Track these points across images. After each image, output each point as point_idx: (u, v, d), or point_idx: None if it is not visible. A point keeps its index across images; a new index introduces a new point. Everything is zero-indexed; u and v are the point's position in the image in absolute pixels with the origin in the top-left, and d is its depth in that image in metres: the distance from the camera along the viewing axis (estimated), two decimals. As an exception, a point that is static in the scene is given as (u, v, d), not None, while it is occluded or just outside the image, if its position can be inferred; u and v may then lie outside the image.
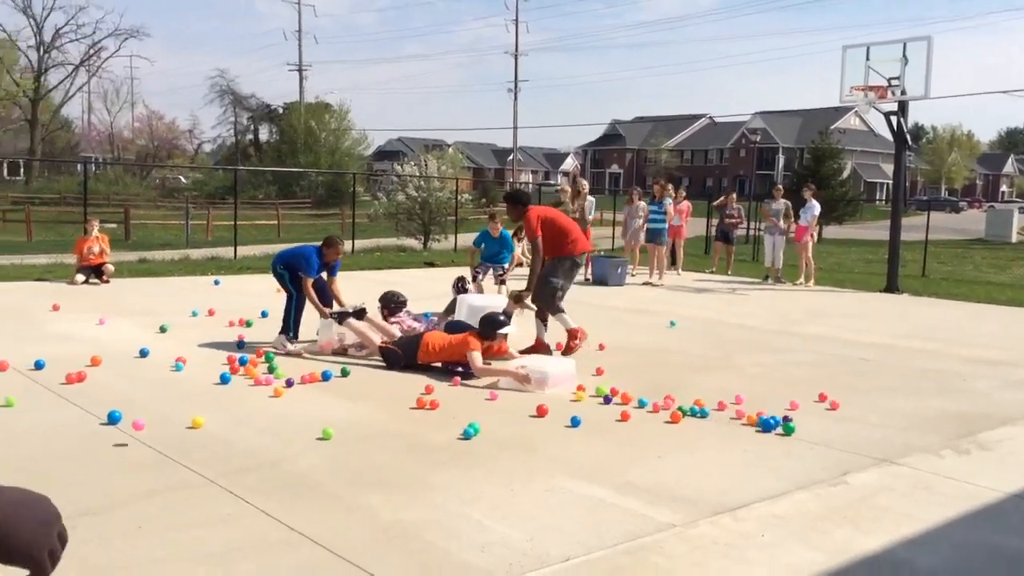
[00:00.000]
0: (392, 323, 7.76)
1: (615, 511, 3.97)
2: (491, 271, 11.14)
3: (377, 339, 7.25)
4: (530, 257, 13.23)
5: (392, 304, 8.02)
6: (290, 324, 7.65)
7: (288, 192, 43.08)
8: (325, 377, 6.44)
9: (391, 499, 4.03)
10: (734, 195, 17.89)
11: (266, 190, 43.21)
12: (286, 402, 5.78)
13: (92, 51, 50.16)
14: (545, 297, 7.72)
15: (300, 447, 4.79)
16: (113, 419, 5.06)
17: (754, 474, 4.60)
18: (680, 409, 5.72)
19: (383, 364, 7.02)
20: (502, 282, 10.96)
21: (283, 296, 7.85)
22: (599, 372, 6.97)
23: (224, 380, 6.21)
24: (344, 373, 6.63)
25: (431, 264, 16.93)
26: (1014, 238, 35.57)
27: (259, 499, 3.94)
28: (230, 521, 3.70)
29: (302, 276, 7.49)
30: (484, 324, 6.99)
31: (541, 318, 7.81)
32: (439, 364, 6.86)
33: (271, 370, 6.60)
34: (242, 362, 6.78)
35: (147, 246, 19.23)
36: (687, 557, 3.50)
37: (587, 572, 3.32)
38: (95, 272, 11.92)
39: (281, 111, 56.49)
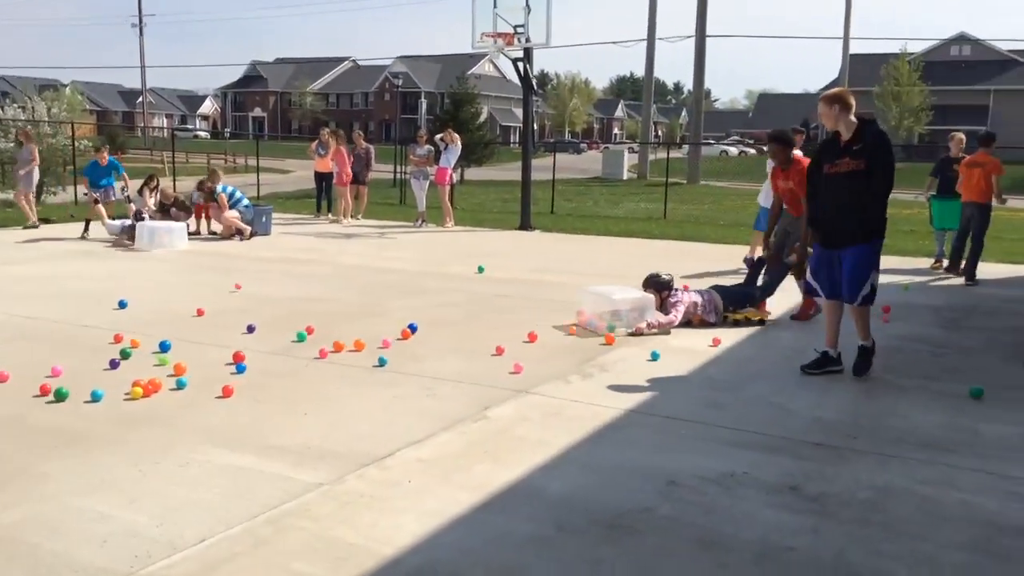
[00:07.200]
0: (674, 302, 7.28)
1: (258, 478, 3.76)
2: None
3: None
4: None
5: (667, 286, 7.42)
6: None
7: None
8: None
9: (-13, 501, 3.44)
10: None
11: None
12: None
13: None
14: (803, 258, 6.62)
15: None
16: None
17: (400, 419, 4.63)
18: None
19: None
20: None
21: None
22: (250, 330, 6.61)
23: None
24: None
25: (45, 220, 14.93)
26: (625, 175, 40.16)
27: None
28: None
29: None
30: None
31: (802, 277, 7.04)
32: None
33: None
34: None
35: None
36: (335, 516, 3.40)
37: (226, 551, 3.09)
38: None
39: None
